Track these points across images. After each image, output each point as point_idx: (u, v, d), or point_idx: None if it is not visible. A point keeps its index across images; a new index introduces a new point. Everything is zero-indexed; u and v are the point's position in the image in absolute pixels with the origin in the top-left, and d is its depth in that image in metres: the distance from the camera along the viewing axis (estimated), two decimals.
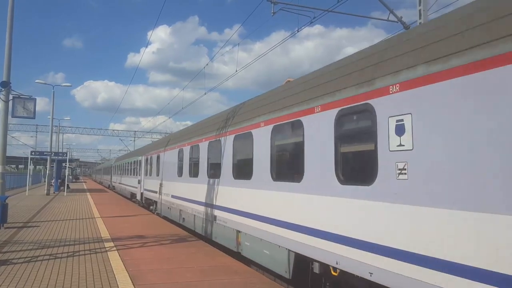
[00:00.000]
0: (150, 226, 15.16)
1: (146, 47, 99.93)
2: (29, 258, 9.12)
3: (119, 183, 39.98)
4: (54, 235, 12.40)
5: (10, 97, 13.32)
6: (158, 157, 20.56)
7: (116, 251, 10.03)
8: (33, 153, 36.28)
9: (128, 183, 32.42)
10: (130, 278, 7.53)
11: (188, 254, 9.95)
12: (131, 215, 18.60)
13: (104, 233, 12.96)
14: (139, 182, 25.91)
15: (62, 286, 7.02)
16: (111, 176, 50.18)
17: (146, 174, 24.05)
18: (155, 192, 20.46)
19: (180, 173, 15.72)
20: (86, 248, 10.35)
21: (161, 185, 19.14)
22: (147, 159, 23.88)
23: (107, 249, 10.33)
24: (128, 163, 33.30)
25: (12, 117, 14.36)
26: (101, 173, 73.74)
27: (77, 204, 24.23)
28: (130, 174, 31.34)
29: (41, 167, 72.48)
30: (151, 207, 22.46)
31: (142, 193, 24.84)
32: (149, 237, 12.24)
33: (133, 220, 16.75)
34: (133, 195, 29.19)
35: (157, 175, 20.28)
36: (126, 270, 8.15)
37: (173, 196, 16.77)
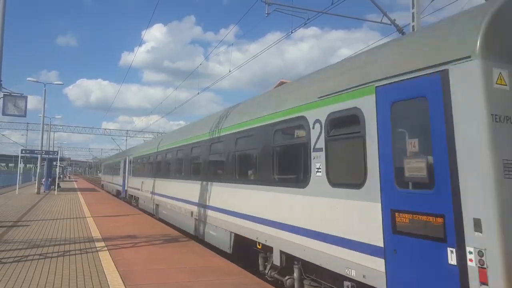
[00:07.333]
0: (142, 226, 15.08)
1: (140, 45, 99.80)
2: (19, 258, 9.03)
3: (107, 181, 42.46)
4: (45, 235, 12.29)
5: (1, 94, 13.18)
6: (138, 159, 24.05)
7: (107, 251, 9.97)
8: (23, 151, 35.76)
9: (115, 181, 35.25)
10: (121, 279, 7.49)
11: (180, 255, 9.92)
12: (122, 215, 18.48)
13: (95, 232, 12.88)
14: (123, 180, 28.98)
15: (52, 286, 6.97)
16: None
17: (130, 174, 26.90)
18: (138, 189, 23.17)
19: (157, 173, 18.12)
20: (77, 248, 10.28)
21: (142, 182, 21.75)
22: (130, 161, 26.70)
23: (98, 249, 10.26)
24: (114, 163, 36.83)
25: (2, 115, 14.27)
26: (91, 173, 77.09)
27: (68, 203, 24.03)
28: (116, 174, 34.27)
29: (31, 165, 71.72)
30: (133, 201, 24.94)
31: (126, 190, 27.75)
32: (141, 237, 12.18)
33: (124, 220, 16.65)
34: (118, 192, 32.05)
35: (139, 175, 23.58)
36: (117, 270, 8.11)
37: (152, 193, 19.15)
